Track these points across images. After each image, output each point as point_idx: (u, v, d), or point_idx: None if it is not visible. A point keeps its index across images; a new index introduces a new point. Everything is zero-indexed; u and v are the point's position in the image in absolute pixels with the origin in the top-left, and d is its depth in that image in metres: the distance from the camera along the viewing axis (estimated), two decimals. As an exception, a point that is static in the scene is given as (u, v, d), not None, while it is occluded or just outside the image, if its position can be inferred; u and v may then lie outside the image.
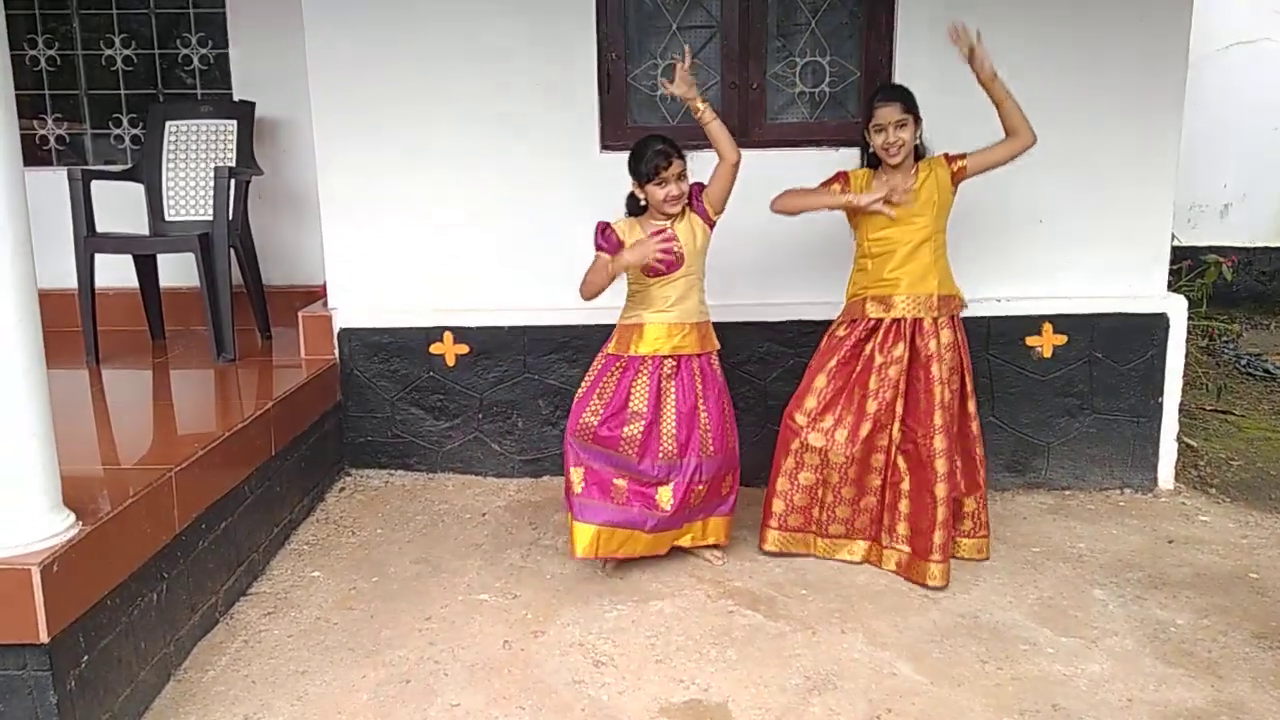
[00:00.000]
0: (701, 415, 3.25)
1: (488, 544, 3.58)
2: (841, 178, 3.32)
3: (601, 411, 3.22)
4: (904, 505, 3.31)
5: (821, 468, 3.34)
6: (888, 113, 3.17)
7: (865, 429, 3.28)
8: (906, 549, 3.30)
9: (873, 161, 3.33)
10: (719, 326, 3.38)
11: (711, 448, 3.27)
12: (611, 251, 3.14)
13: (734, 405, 3.43)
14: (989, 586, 3.25)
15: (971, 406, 3.37)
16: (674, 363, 3.23)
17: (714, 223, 3.26)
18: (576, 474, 3.25)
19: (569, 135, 3.99)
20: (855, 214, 3.28)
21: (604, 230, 3.19)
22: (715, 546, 3.43)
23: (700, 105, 3.15)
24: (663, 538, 3.30)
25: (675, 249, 3.14)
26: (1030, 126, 3.19)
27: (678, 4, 4.04)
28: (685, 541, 3.37)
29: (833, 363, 3.34)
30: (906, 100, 3.20)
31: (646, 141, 3.15)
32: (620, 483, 3.23)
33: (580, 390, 3.32)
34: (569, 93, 3.98)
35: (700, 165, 3.27)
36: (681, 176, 3.15)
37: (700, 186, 3.23)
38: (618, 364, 3.25)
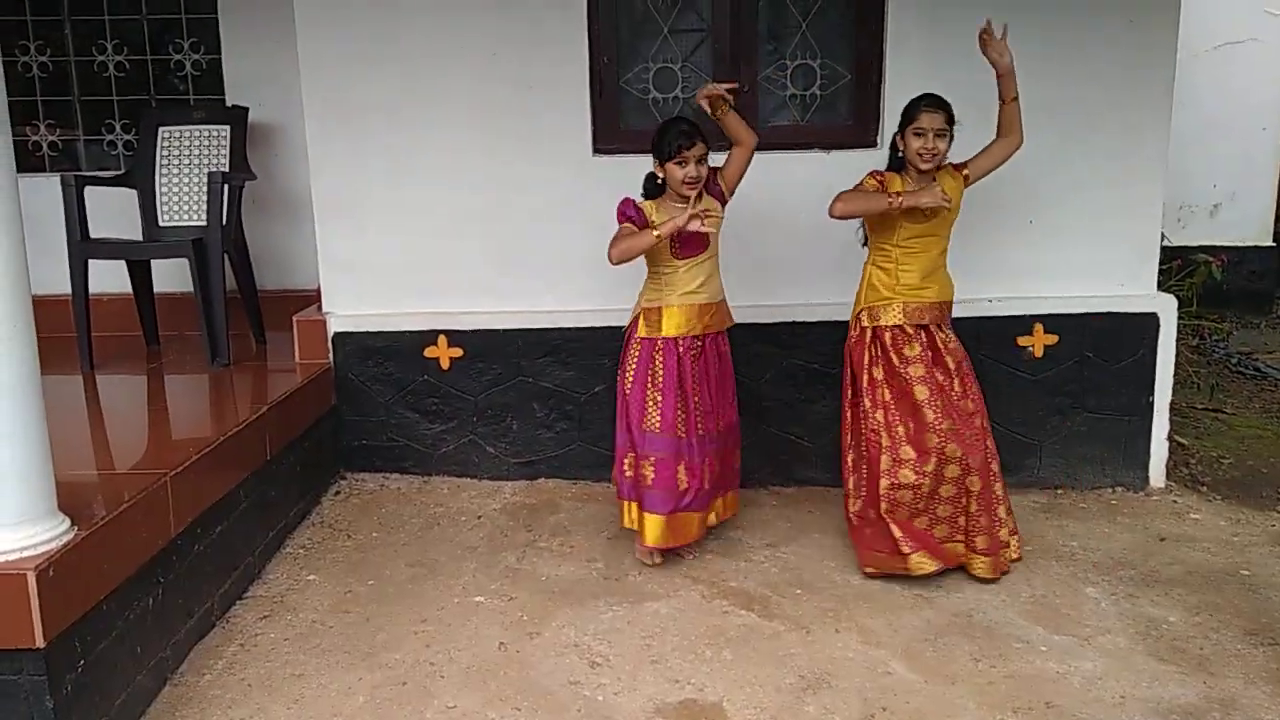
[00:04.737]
0: (721, 389, 3.40)
1: (483, 546, 3.58)
2: (878, 176, 3.28)
3: (660, 398, 3.28)
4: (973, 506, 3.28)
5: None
6: (933, 119, 3.18)
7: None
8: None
9: (894, 167, 3.31)
10: None
11: (729, 419, 3.45)
12: (639, 223, 3.20)
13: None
14: (981, 585, 3.26)
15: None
16: (700, 342, 3.33)
17: (727, 201, 3.35)
18: (648, 466, 3.29)
19: (561, 139, 4.00)
20: (888, 217, 3.24)
21: (630, 203, 3.25)
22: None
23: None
24: (699, 518, 3.41)
25: (713, 216, 3.19)
26: (1022, 128, 3.25)
27: (669, 7, 4.05)
28: (711, 519, 3.50)
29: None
30: (950, 113, 3.21)
31: (672, 121, 3.25)
32: (681, 470, 3.30)
33: (629, 383, 3.33)
34: (561, 96, 3.99)
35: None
36: (702, 160, 3.20)
37: (714, 170, 3.32)
38: (655, 347, 3.30)
